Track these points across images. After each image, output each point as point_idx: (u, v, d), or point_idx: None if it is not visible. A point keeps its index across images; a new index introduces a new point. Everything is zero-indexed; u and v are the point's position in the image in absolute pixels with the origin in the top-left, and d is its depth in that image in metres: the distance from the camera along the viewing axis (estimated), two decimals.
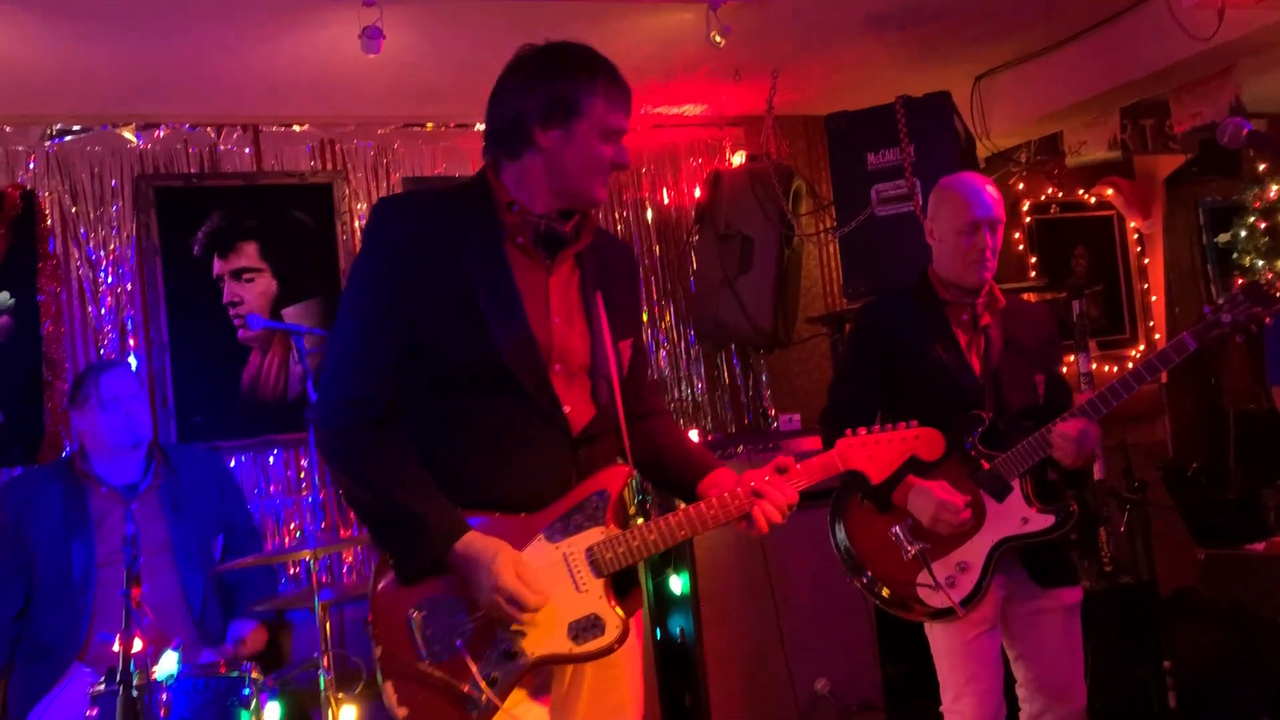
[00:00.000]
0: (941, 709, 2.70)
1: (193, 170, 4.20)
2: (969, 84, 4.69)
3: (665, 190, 4.83)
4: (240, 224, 4.22)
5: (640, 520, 1.92)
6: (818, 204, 4.72)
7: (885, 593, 2.65)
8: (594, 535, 1.86)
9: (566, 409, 1.88)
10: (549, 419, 1.87)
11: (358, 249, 4.36)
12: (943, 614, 2.58)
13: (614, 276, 2.02)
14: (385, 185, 4.44)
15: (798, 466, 1.97)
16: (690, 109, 4.72)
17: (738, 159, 4.83)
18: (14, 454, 3.84)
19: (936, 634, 2.67)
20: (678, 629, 3.90)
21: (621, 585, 1.89)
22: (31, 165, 4.01)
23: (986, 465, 2.59)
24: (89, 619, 2.98)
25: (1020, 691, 2.71)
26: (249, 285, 4.22)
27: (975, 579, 2.56)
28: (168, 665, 2.61)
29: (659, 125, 4.76)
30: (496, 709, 1.77)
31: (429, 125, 4.51)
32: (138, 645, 2.39)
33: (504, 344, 1.83)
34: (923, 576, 2.55)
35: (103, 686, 2.50)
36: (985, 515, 2.58)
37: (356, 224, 4.38)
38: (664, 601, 3.96)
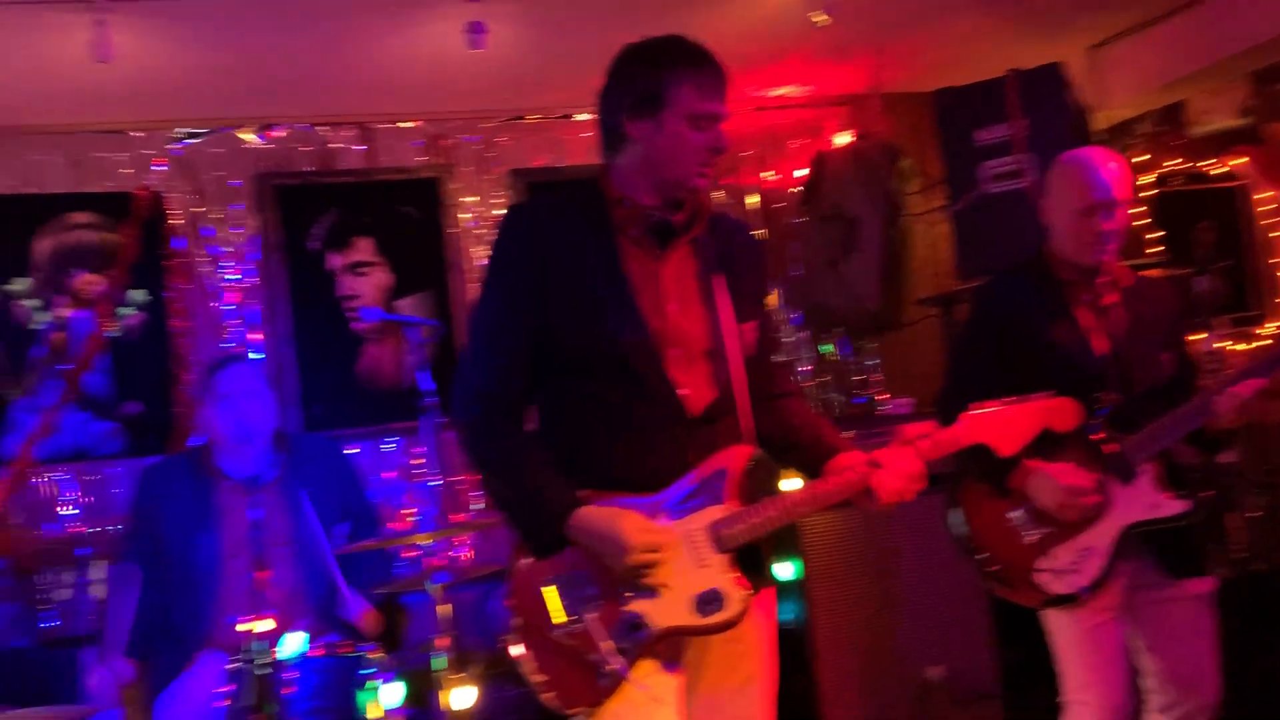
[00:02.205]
0: (1063, 699, 2.63)
1: (308, 168, 4.35)
2: (1083, 54, 4.53)
3: (768, 173, 4.79)
4: (355, 219, 4.35)
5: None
6: (926, 183, 4.63)
7: (1003, 578, 2.59)
8: (714, 513, 1.90)
9: (684, 392, 1.93)
10: (667, 403, 1.92)
11: (464, 242, 4.48)
12: (1064, 600, 2.51)
13: (735, 260, 2.04)
14: (490, 178, 4.51)
15: (923, 440, 1.96)
16: (793, 90, 4.67)
17: (842, 139, 4.76)
18: (148, 444, 4.05)
19: (1057, 621, 2.60)
20: (787, 614, 3.89)
21: (746, 563, 1.92)
22: (159, 168, 4.20)
23: (1112, 448, 2.51)
24: (216, 606, 3.11)
25: (1149, 683, 2.61)
26: (364, 279, 4.35)
27: (1100, 565, 2.49)
28: (293, 646, 2.72)
29: (762, 108, 4.72)
30: (623, 677, 1.84)
31: (533, 117, 4.57)
32: (265, 627, 2.49)
33: (618, 334, 1.90)
34: (1044, 562, 2.49)
35: (233, 666, 2.61)
36: (1111, 500, 2.50)
37: (464, 217, 4.48)
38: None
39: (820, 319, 4.60)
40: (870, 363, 4.77)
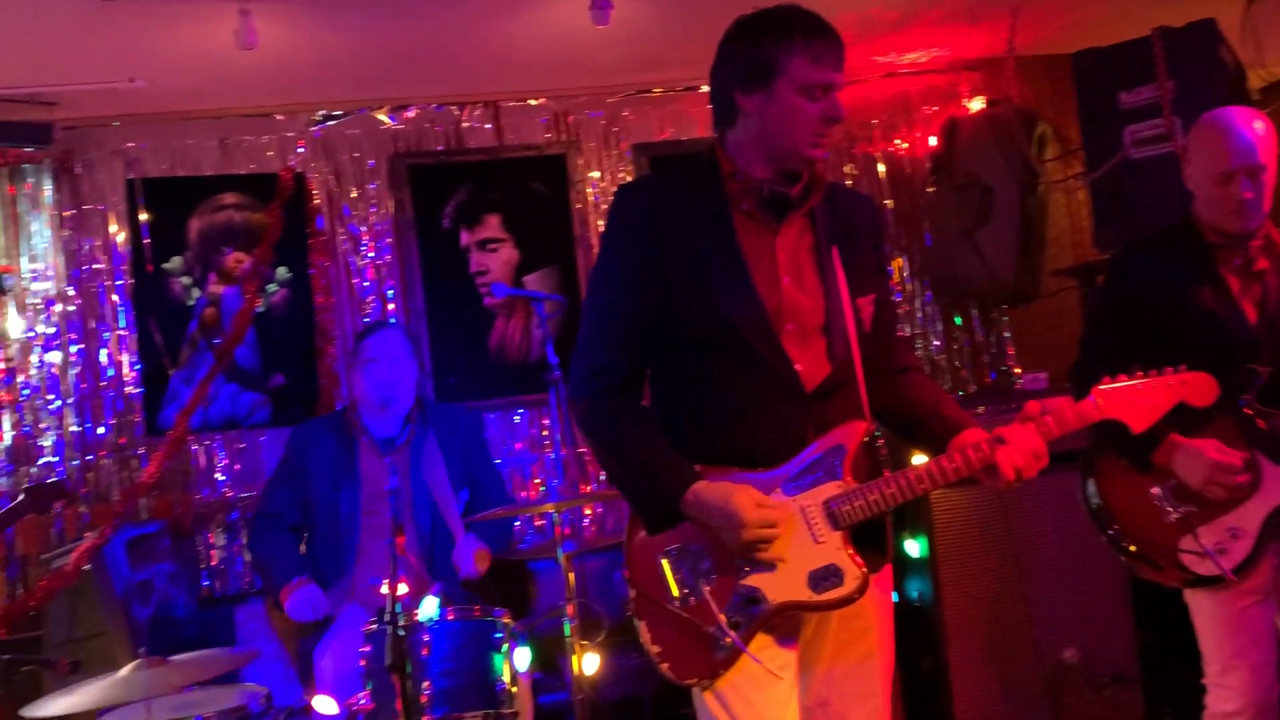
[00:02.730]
0: (1204, 681, 2.52)
1: (440, 147, 4.46)
2: (1238, 8, 4.25)
3: (897, 141, 4.68)
4: (484, 197, 4.45)
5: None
6: (1064, 149, 4.44)
7: (1143, 556, 2.49)
8: (830, 489, 1.89)
9: (799, 367, 1.91)
10: (782, 378, 1.91)
11: (590, 217, 4.53)
12: (1207, 581, 2.41)
13: (853, 232, 2.01)
14: (615, 153, 4.55)
15: (1047, 417, 1.90)
16: (923, 55, 4.54)
17: (975, 105, 4.60)
18: (294, 413, 4.25)
19: (1200, 602, 2.49)
20: (915, 592, 3.83)
21: (864, 540, 1.90)
22: (300, 150, 4.38)
23: (1264, 424, 2.38)
24: (355, 560, 3.26)
25: None
26: (493, 255, 4.45)
27: (1249, 547, 2.37)
28: (429, 609, 2.83)
29: (891, 74, 4.60)
30: (740, 652, 1.85)
31: (656, 91, 4.57)
32: (403, 589, 2.59)
33: (733, 309, 1.89)
34: (1188, 542, 2.38)
35: (374, 626, 2.74)
36: (1262, 478, 2.38)
37: (589, 192, 4.52)
38: (900, 564, 3.88)
39: (952, 290, 4.48)
40: (1004, 336, 4.63)
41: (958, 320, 4.66)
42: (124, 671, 2.46)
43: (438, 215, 4.42)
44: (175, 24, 3.45)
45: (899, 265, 4.64)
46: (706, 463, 1.91)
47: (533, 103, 4.52)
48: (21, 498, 2.85)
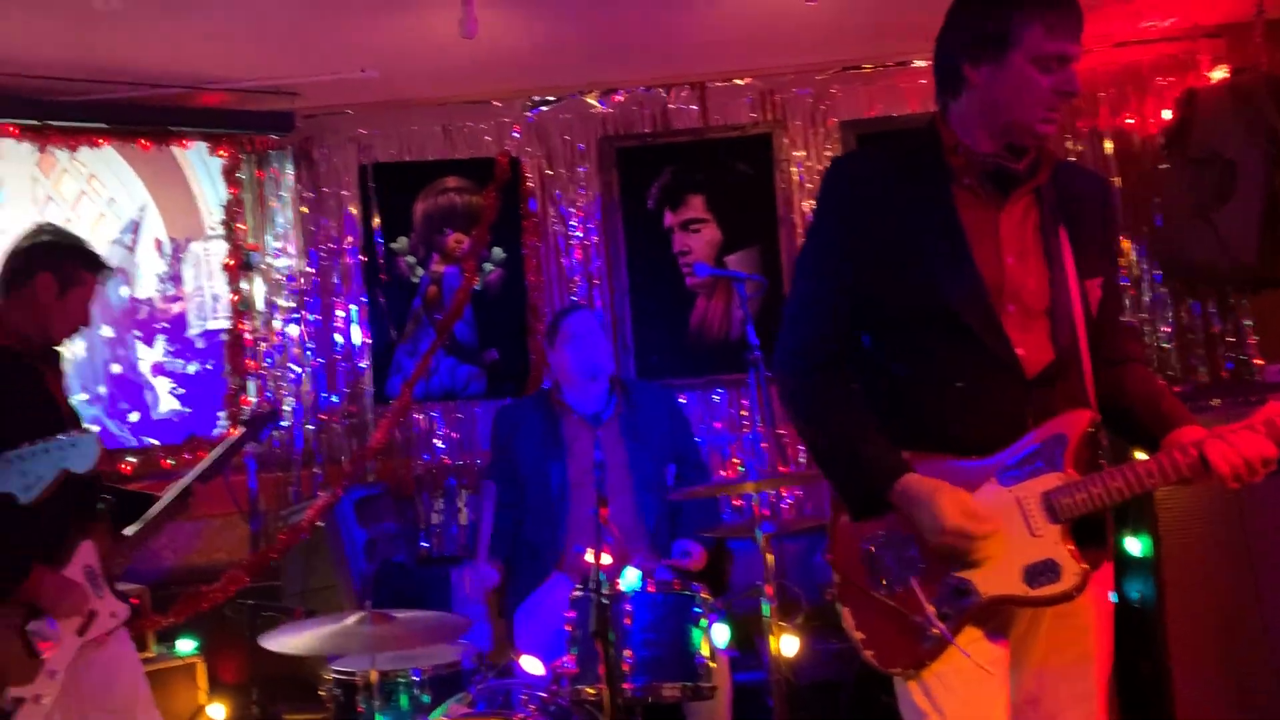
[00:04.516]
0: None
1: (647, 130, 4.54)
2: None
3: (1127, 115, 4.39)
4: (688, 178, 4.50)
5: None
6: None
7: None
8: (1050, 480, 1.81)
9: (1020, 351, 1.83)
10: (1001, 362, 1.83)
11: (795, 197, 4.49)
12: None
13: (1082, 211, 1.91)
14: (821, 131, 4.48)
15: (1275, 421, 1.77)
16: (1158, 22, 4.24)
17: (1217, 74, 4.26)
18: (506, 388, 4.46)
19: None
20: (1135, 593, 3.62)
21: (1083, 535, 1.81)
22: (516, 134, 4.55)
23: None
24: (565, 531, 3.39)
25: None
26: (696, 235, 4.50)
27: None
28: (631, 579, 2.90)
29: (1122, 44, 4.32)
30: (947, 643, 1.80)
31: (866, 67, 4.47)
32: (606, 559, 2.67)
33: (951, 288, 1.82)
34: None
35: (579, 593, 2.83)
36: None
37: (794, 172, 4.48)
38: (1120, 563, 3.68)
39: (1185, 274, 4.19)
40: (1244, 324, 4.29)
41: (1190, 307, 4.35)
42: (350, 621, 2.63)
43: (643, 196, 4.50)
44: (402, 14, 3.65)
45: (1127, 247, 4.37)
46: (916, 449, 1.86)
47: (739, 82, 4.51)
48: (243, 430, 3.07)
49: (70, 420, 2.62)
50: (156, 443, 4.28)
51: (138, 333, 4.33)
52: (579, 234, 4.55)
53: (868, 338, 1.93)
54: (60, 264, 2.61)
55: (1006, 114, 1.83)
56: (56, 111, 4.02)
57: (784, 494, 4.38)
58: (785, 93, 4.50)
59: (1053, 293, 1.86)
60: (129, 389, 4.31)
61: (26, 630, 2.38)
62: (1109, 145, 4.40)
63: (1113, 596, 1.95)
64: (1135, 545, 3.59)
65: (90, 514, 2.60)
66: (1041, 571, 1.78)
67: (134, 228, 4.33)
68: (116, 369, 4.29)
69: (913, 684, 1.84)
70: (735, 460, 4.44)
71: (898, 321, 1.88)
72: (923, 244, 1.85)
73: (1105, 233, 1.98)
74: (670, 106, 4.54)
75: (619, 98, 4.55)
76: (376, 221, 4.55)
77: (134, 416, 4.30)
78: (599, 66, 4.36)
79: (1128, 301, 4.35)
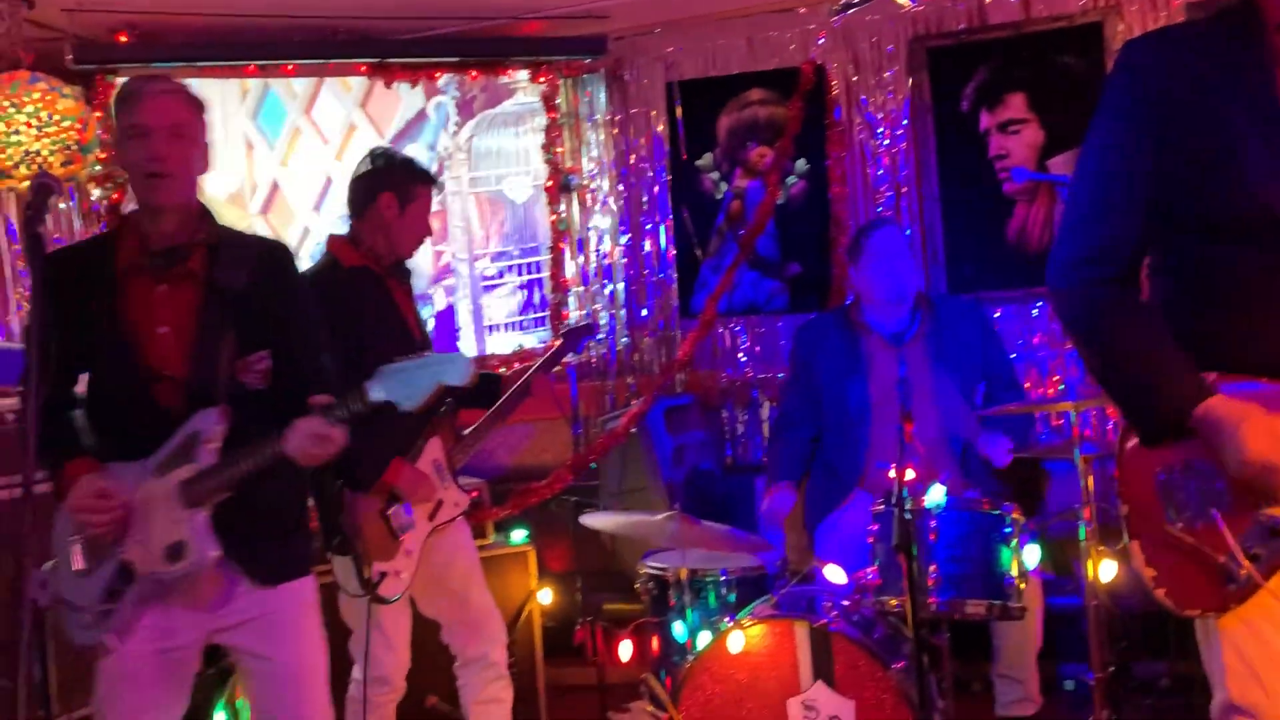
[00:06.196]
0: None
1: (961, 26, 4.28)
2: None
3: None
4: (1008, 75, 4.22)
5: None
6: None
7: None
8: None
9: None
10: None
11: None
12: None
13: None
14: (1164, 15, 4.02)
15: None
16: None
17: None
18: (808, 302, 4.45)
19: None
20: None
21: None
22: (821, 41, 4.45)
23: None
24: (866, 449, 3.36)
25: None
26: (1015, 137, 4.22)
27: None
28: (936, 496, 2.85)
29: None
30: (1258, 587, 1.62)
31: None
32: (910, 475, 2.63)
33: (1270, 189, 1.58)
34: None
35: (881, 507, 2.83)
36: None
37: None
38: None
39: None
40: None
41: None
42: (660, 518, 2.82)
43: (956, 98, 4.28)
44: None
45: None
46: (1221, 370, 1.65)
47: None
48: (561, 341, 3.27)
49: (417, 330, 2.92)
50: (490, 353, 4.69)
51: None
52: (886, 141, 4.41)
53: (1164, 245, 1.72)
54: (398, 182, 2.87)
55: None
56: (397, 49, 4.41)
57: (1108, 414, 4.10)
58: None
59: None
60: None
61: (387, 515, 2.71)
62: None
63: None
64: None
65: (437, 415, 2.90)
66: None
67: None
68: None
69: (1216, 630, 1.68)
70: (1056, 377, 4.20)
71: (1202, 227, 1.66)
72: (1237, 137, 1.60)
73: None
74: (986, 1, 4.25)
75: None
76: (682, 137, 4.63)
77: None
78: None
79: None
